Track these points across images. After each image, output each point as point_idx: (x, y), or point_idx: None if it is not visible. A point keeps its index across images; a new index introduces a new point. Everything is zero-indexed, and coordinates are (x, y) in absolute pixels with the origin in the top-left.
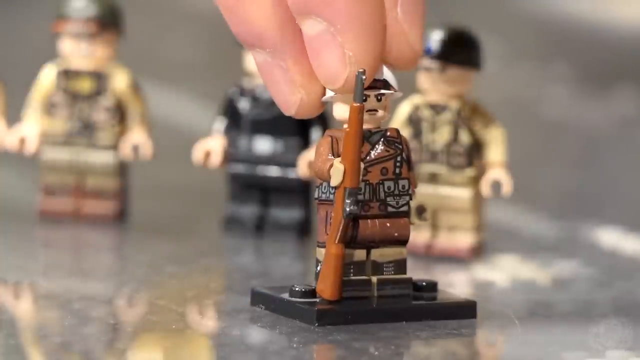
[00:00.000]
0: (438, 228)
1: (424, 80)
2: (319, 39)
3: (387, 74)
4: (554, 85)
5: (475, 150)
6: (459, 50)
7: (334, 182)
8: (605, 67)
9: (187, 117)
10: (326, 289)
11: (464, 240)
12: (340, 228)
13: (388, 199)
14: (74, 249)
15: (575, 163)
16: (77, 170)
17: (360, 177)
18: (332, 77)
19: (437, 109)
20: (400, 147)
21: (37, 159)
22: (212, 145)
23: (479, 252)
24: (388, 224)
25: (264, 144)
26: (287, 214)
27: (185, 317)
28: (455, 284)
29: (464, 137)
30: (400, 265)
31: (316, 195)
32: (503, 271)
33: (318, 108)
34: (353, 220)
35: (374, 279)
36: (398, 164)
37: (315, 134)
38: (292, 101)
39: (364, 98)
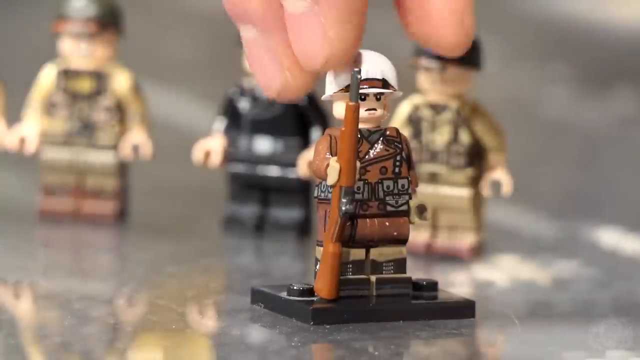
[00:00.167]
0: (438, 228)
1: (424, 80)
2: (300, 18)
3: (387, 74)
4: (553, 85)
5: (475, 150)
6: None
7: (330, 181)
8: (605, 67)
9: (187, 117)
10: (323, 287)
11: (464, 240)
12: (337, 227)
13: (387, 198)
14: (74, 249)
15: (575, 163)
16: (77, 170)
17: (357, 176)
18: (310, 57)
19: (437, 109)
20: (400, 146)
21: (37, 159)
22: (212, 145)
23: (479, 252)
24: (387, 223)
25: (264, 144)
26: (287, 213)
27: (185, 317)
28: (455, 284)
29: (464, 137)
30: (399, 265)
31: (315, 194)
32: (503, 271)
33: (301, 92)
34: (351, 219)
35: (373, 278)
36: (397, 163)
37: (315, 133)
38: (277, 83)
39: (363, 97)
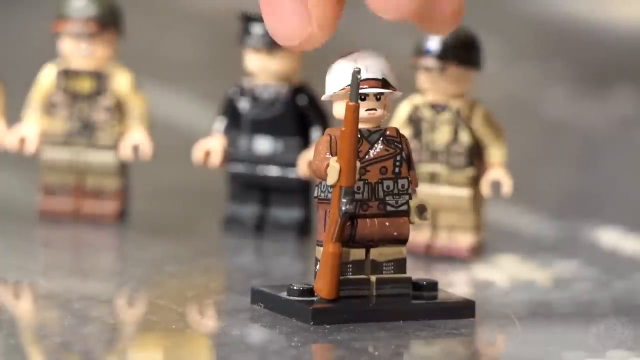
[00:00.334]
0: (438, 228)
1: (424, 80)
2: None
3: (387, 74)
4: (553, 85)
5: (475, 150)
6: (459, 50)
7: (330, 181)
8: (605, 67)
9: (187, 117)
10: (323, 287)
11: (463, 240)
12: (337, 227)
13: (387, 198)
14: (74, 249)
15: (575, 163)
16: (77, 170)
17: (357, 176)
18: (290, 35)
19: (437, 108)
20: (400, 146)
21: (37, 159)
22: (212, 145)
23: (478, 252)
24: (387, 223)
25: (264, 144)
26: (287, 213)
27: (185, 317)
28: (455, 284)
29: (464, 137)
30: (399, 265)
31: (315, 194)
32: (503, 271)
33: (321, 43)
34: (351, 219)
35: (373, 278)
36: (397, 163)
37: (315, 133)
38: (300, 33)
39: (363, 97)
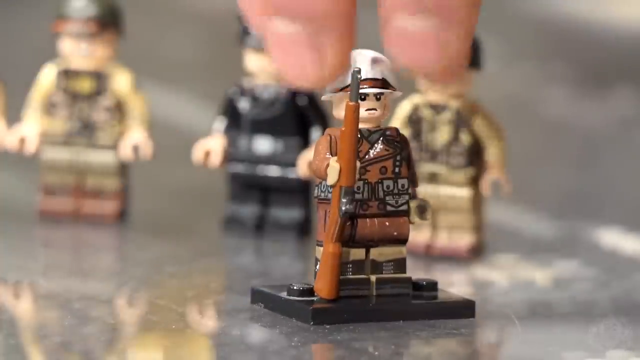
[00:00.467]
0: (438, 228)
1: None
2: (296, 39)
3: (387, 73)
4: (553, 85)
5: (475, 150)
6: None
7: (330, 181)
8: (605, 67)
9: (187, 117)
10: (323, 287)
11: (463, 240)
12: (337, 227)
13: (387, 198)
14: (74, 249)
15: (575, 163)
16: (77, 170)
17: (357, 176)
18: (301, 77)
19: (437, 108)
20: (400, 146)
21: (37, 159)
22: (212, 145)
23: (478, 252)
24: (387, 223)
25: (264, 144)
26: (287, 213)
27: (185, 317)
28: (455, 284)
29: (464, 137)
30: (399, 265)
31: (316, 194)
32: (503, 271)
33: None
34: (351, 219)
35: (373, 278)
36: (397, 163)
37: (315, 133)
38: (313, 76)
39: (363, 97)
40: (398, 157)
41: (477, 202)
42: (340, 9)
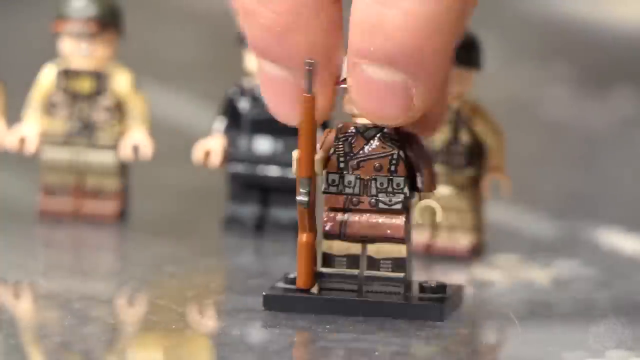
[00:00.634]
0: (438, 228)
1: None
2: (389, 87)
3: None
4: (553, 86)
5: (475, 150)
6: (459, 50)
7: (292, 171)
8: (605, 67)
9: (187, 117)
10: (299, 277)
11: (463, 240)
12: (301, 217)
13: (380, 195)
14: (74, 249)
15: (575, 163)
16: (77, 170)
17: (320, 168)
18: (389, 120)
19: None
20: (399, 144)
21: (37, 159)
22: (212, 145)
23: (479, 252)
24: (380, 221)
25: (264, 144)
26: (287, 213)
27: (185, 317)
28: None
29: (464, 137)
30: (398, 264)
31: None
32: (503, 271)
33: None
34: (344, 211)
35: (366, 274)
36: (394, 161)
37: None
38: (295, 115)
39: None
40: (395, 156)
41: (477, 202)
42: (324, 48)
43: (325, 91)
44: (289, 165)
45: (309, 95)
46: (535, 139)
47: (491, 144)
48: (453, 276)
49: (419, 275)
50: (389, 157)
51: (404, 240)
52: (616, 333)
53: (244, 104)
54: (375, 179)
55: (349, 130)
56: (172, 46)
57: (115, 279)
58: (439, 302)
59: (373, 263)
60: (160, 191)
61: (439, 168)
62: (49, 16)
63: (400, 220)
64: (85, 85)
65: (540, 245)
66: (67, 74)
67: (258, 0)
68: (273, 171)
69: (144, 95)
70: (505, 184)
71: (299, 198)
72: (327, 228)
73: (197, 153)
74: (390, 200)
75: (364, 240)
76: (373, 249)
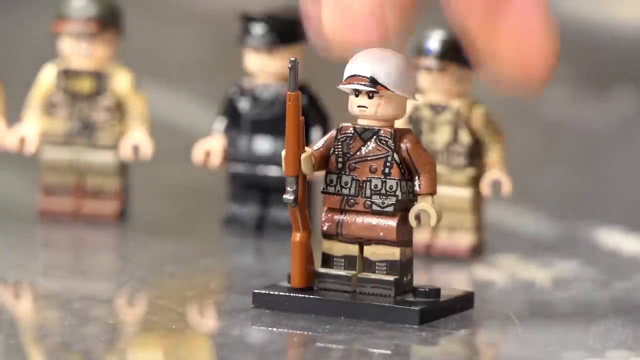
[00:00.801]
0: (438, 228)
1: (424, 80)
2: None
3: (381, 74)
4: (553, 86)
5: (475, 150)
6: (460, 51)
7: (283, 169)
8: (605, 67)
9: (187, 117)
10: (292, 277)
11: (464, 240)
12: (293, 217)
13: (374, 197)
14: (74, 249)
15: (575, 163)
16: (77, 170)
17: (307, 166)
18: (362, 36)
19: (437, 109)
20: (393, 147)
21: (37, 159)
22: (212, 145)
23: (479, 252)
24: (374, 223)
25: (264, 144)
26: (286, 214)
27: (185, 317)
28: (455, 284)
29: (464, 137)
30: (392, 267)
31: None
32: (503, 271)
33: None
34: (341, 212)
35: (359, 275)
36: (388, 164)
37: (315, 133)
38: (379, 41)
39: (357, 93)
40: (389, 158)
41: (477, 202)
42: None
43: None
44: None
45: (293, 93)
46: (535, 139)
47: (491, 144)
48: (453, 276)
49: (419, 275)
50: (384, 159)
51: (396, 242)
52: (616, 333)
53: (244, 104)
54: (370, 181)
55: (348, 131)
56: (172, 46)
57: (115, 279)
58: (422, 305)
59: (369, 265)
60: (160, 191)
61: (439, 168)
62: (49, 16)
63: (393, 222)
64: (85, 85)
65: (540, 245)
66: (67, 74)
67: None
68: (273, 171)
69: (144, 95)
70: (505, 183)
71: (285, 197)
72: (324, 228)
73: (197, 153)
74: (383, 203)
75: (360, 241)
76: (369, 251)
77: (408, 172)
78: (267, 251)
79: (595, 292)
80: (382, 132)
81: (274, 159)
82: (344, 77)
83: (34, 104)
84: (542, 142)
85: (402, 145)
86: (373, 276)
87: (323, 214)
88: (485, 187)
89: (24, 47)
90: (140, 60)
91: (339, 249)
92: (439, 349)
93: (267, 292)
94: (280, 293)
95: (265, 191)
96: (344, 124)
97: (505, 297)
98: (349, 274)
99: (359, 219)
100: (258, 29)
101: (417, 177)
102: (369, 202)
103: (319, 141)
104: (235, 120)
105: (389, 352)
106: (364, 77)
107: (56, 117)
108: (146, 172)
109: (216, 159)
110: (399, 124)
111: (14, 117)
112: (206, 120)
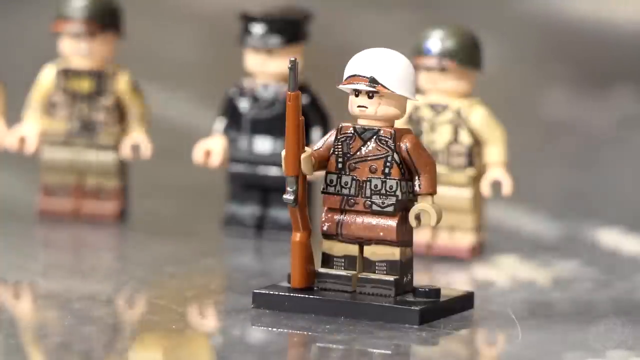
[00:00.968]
0: (438, 228)
1: (424, 80)
2: None
3: (381, 74)
4: (553, 86)
5: (475, 150)
6: (460, 50)
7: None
8: (605, 67)
9: (187, 117)
10: (292, 276)
11: (464, 240)
12: (293, 216)
13: (374, 197)
14: (74, 249)
15: (575, 163)
16: (77, 170)
17: (307, 166)
18: None
19: (437, 109)
20: (393, 147)
21: (37, 159)
22: (212, 145)
23: (479, 252)
24: (374, 223)
25: (264, 144)
26: (287, 214)
27: (185, 317)
28: (455, 284)
29: (464, 137)
30: (392, 267)
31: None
32: (503, 271)
33: None
34: (341, 212)
35: (359, 275)
36: (388, 164)
37: (315, 133)
38: None
39: (357, 93)
40: (389, 158)
41: (477, 202)
42: None
43: None
44: None
45: (293, 93)
46: (535, 138)
47: (491, 144)
48: (453, 276)
49: (419, 275)
50: (384, 159)
51: (396, 242)
52: (616, 333)
53: (244, 104)
54: (370, 181)
55: (348, 131)
56: (172, 46)
57: (115, 279)
58: (422, 305)
59: (369, 265)
60: (160, 191)
61: (439, 168)
62: (49, 16)
63: (393, 222)
64: (85, 85)
65: (540, 245)
66: (67, 74)
67: None
68: (273, 171)
69: (144, 95)
70: (505, 183)
71: (285, 197)
72: (324, 228)
73: (197, 153)
74: (383, 203)
75: (360, 241)
76: (369, 251)
77: (408, 172)
78: (267, 251)
79: (595, 292)
80: (382, 132)
81: (274, 159)
82: (344, 77)
83: (34, 104)
84: (542, 142)
85: (402, 145)
86: (373, 276)
87: (323, 214)
88: (485, 187)
89: (24, 47)
90: (140, 60)
91: (339, 249)
92: (439, 349)
93: (267, 292)
94: (280, 293)
95: (265, 191)
96: (344, 124)
97: (505, 297)
98: (349, 274)
99: (359, 219)
100: (258, 29)
101: (417, 177)
102: (369, 202)
103: (319, 141)
104: (235, 120)
105: (389, 352)
106: (364, 77)
107: (56, 117)
108: (146, 172)
109: (216, 159)
110: (399, 124)
111: (14, 117)
112: (206, 120)
